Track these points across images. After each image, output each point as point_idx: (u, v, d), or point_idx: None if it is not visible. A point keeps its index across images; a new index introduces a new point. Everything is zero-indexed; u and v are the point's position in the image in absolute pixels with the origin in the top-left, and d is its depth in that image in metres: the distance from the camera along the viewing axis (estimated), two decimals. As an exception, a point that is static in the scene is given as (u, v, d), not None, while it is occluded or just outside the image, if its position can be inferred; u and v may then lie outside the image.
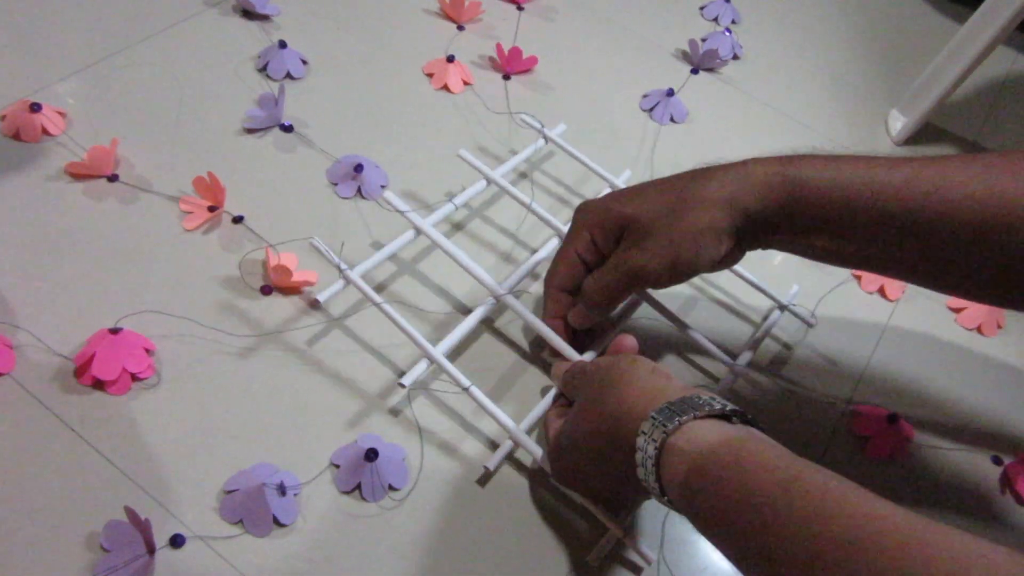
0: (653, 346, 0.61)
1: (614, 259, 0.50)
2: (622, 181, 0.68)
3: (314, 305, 0.56)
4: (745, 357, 0.60)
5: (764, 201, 0.47)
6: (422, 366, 0.52)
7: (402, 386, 0.51)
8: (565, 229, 0.62)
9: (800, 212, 0.47)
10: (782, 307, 0.64)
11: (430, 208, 0.63)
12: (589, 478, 0.46)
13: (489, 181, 0.64)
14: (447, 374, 0.52)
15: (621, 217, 0.50)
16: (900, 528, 0.30)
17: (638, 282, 0.50)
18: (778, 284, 0.65)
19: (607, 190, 0.68)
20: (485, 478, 0.52)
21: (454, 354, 0.56)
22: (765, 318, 0.64)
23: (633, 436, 0.39)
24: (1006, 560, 0.28)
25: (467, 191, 0.63)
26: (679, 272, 0.49)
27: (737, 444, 0.37)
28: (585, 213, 0.52)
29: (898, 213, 0.45)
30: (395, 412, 0.53)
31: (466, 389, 0.52)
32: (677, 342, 0.61)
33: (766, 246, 0.51)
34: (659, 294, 0.60)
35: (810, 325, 0.64)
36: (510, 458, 0.53)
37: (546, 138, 0.70)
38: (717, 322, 0.64)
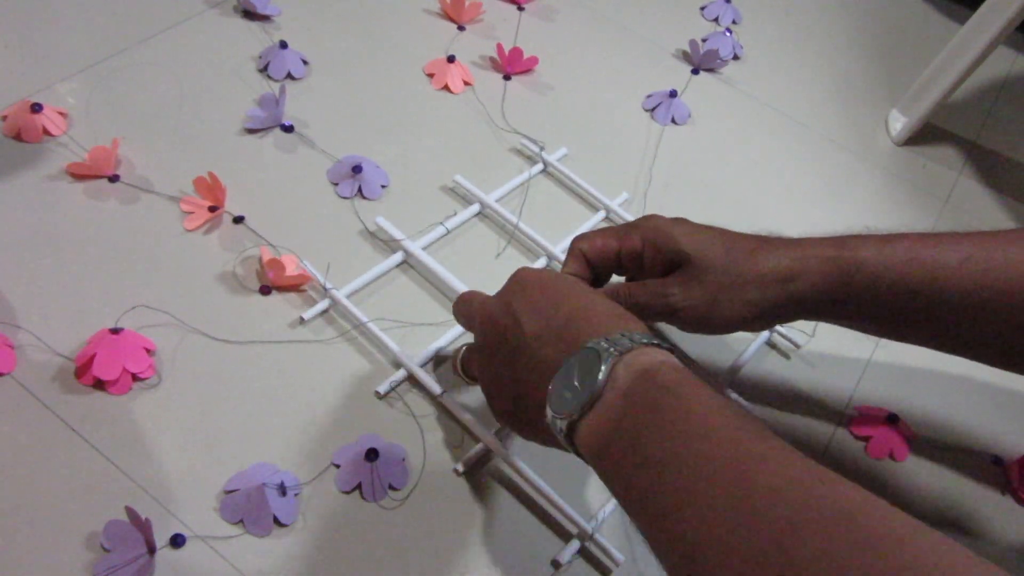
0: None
1: (656, 287, 0.49)
2: (618, 204, 0.68)
3: (300, 322, 0.56)
4: (745, 356, 0.61)
5: (816, 287, 0.47)
6: (399, 375, 0.54)
7: (378, 395, 0.53)
8: (553, 249, 0.63)
9: (853, 299, 0.47)
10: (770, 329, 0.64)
11: (427, 216, 0.63)
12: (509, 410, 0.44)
13: (484, 206, 0.65)
14: (420, 382, 0.54)
15: (679, 253, 0.48)
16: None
17: (667, 318, 0.49)
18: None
19: (602, 213, 0.68)
20: (469, 473, 0.52)
21: (444, 356, 0.57)
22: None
23: (580, 342, 0.38)
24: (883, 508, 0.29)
25: (460, 215, 0.64)
26: (706, 327, 0.49)
27: (679, 369, 0.37)
28: (650, 226, 0.50)
29: (953, 296, 0.45)
30: (396, 412, 0.53)
31: (438, 396, 0.53)
32: (673, 338, 0.61)
33: (812, 320, 0.51)
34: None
35: (797, 347, 0.63)
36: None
37: (545, 163, 0.70)
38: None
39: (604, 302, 0.42)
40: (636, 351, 0.37)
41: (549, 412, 0.38)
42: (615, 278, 0.53)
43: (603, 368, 0.36)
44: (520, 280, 0.45)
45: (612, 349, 0.36)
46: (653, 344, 0.37)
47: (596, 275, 0.51)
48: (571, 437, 0.37)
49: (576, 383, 0.37)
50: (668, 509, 0.31)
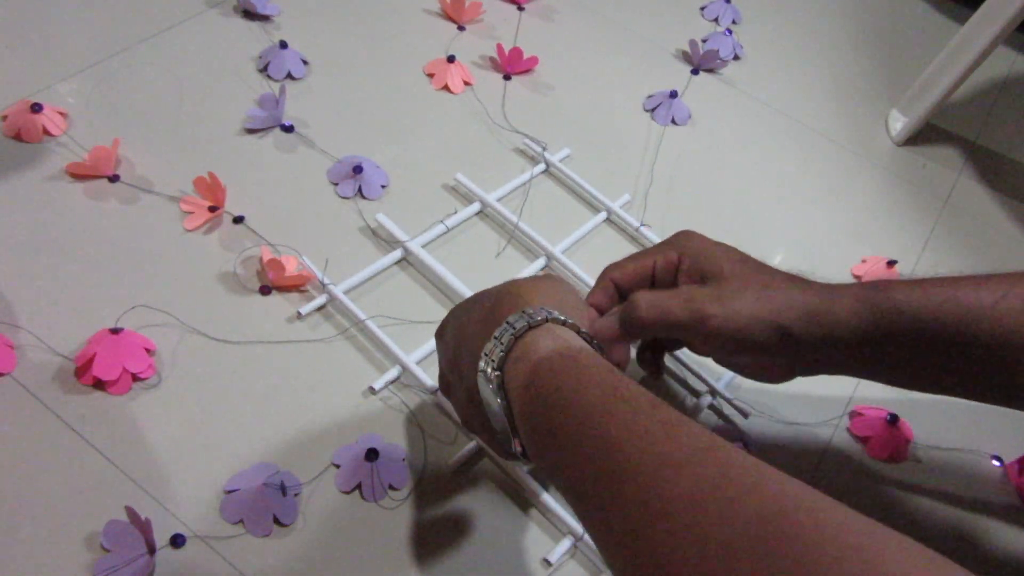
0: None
1: (686, 291, 0.46)
2: (619, 205, 0.68)
3: (297, 317, 0.56)
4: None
5: (850, 322, 0.45)
6: (393, 372, 0.54)
7: (372, 391, 0.53)
8: (552, 249, 0.63)
9: (886, 337, 0.45)
10: None
11: (429, 213, 0.63)
12: (470, 422, 0.44)
13: (484, 205, 0.65)
14: (416, 379, 0.54)
15: (718, 266, 0.47)
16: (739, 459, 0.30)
17: (697, 328, 0.45)
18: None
19: (603, 215, 0.68)
20: (466, 468, 0.52)
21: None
22: None
23: (478, 359, 0.39)
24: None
25: (460, 213, 0.64)
26: (734, 343, 0.45)
27: (576, 347, 0.37)
28: (690, 244, 0.49)
29: (990, 335, 0.44)
30: (396, 412, 0.53)
31: (434, 393, 0.54)
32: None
33: (839, 372, 0.49)
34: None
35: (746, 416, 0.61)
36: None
37: (547, 163, 0.70)
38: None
39: (480, 299, 0.44)
40: (514, 357, 0.38)
41: (480, 364, 0.38)
42: None
43: (497, 399, 0.37)
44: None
45: (491, 368, 0.38)
46: (521, 330, 0.38)
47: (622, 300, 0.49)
48: (503, 389, 0.38)
49: (494, 408, 0.38)
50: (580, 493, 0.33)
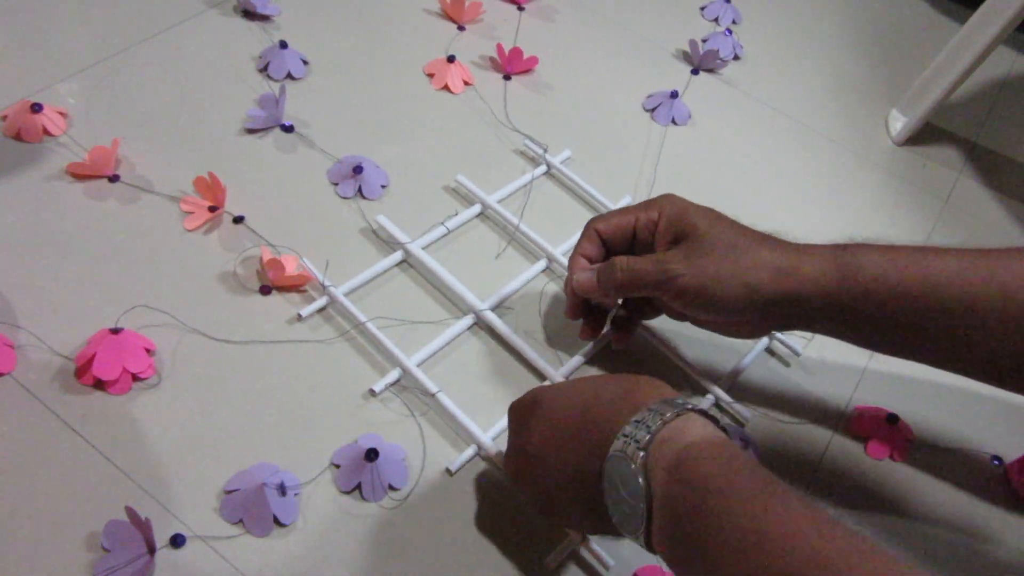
0: (651, 358, 0.61)
1: (659, 255, 0.50)
2: (621, 206, 0.68)
3: (298, 319, 0.56)
4: (744, 362, 0.61)
5: (817, 285, 0.47)
6: (394, 374, 0.54)
7: (373, 393, 0.53)
8: (553, 251, 0.63)
9: (852, 299, 0.47)
10: (770, 336, 0.63)
11: (429, 212, 0.63)
12: (558, 503, 0.44)
13: (485, 207, 0.65)
14: (418, 380, 0.54)
15: (692, 225, 0.49)
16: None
17: (666, 288, 0.49)
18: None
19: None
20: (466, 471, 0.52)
21: (440, 358, 0.57)
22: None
23: (609, 443, 0.38)
24: None
25: (461, 215, 0.64)
26: (700, 305, 0.48)
27: (721, 438, 0.37)
28: (668, 200, 0.52)
29: (953, 304, 0.45)
30: (396, 412, 0.53)
31: (434, 395, 0.53)
32: (673, 342, 0.61)
33: (808, 329, 0.51)
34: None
35: (797, 354, 0.63)
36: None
37: (548, 165, 0.70)
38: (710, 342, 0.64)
39: (604, 386, 0.43)
40: (659, 438, 0.37)
41: (627, 534, 0.38)
42: None
43: (640, 479, 0.36)
44: (516, 411, 0.47)
45: (636, 447, 0.37)
46: (669, 416, 0.37)
47: (610, 252, 0.52)
48: (651, 545, 0.38)
49: (624, 494, 0.37)
50: None
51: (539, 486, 0.44)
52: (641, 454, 0.37)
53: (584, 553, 0.50)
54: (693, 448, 0.36)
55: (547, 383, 0.55)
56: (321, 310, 0.57)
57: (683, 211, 0.50)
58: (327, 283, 0.56)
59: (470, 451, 0.52)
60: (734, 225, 0.50)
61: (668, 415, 0.37)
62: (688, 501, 0.35)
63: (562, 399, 0.43)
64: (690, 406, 0.38)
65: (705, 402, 0.58)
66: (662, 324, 0.59)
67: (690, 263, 0.48)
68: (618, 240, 0.52)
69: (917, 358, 0.50)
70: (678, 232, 0.49)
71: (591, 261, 0.53)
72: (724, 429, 0.39)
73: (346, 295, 0.57)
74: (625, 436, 0.38)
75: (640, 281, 0.49)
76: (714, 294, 0.47)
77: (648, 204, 0.52)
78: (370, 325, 0.55)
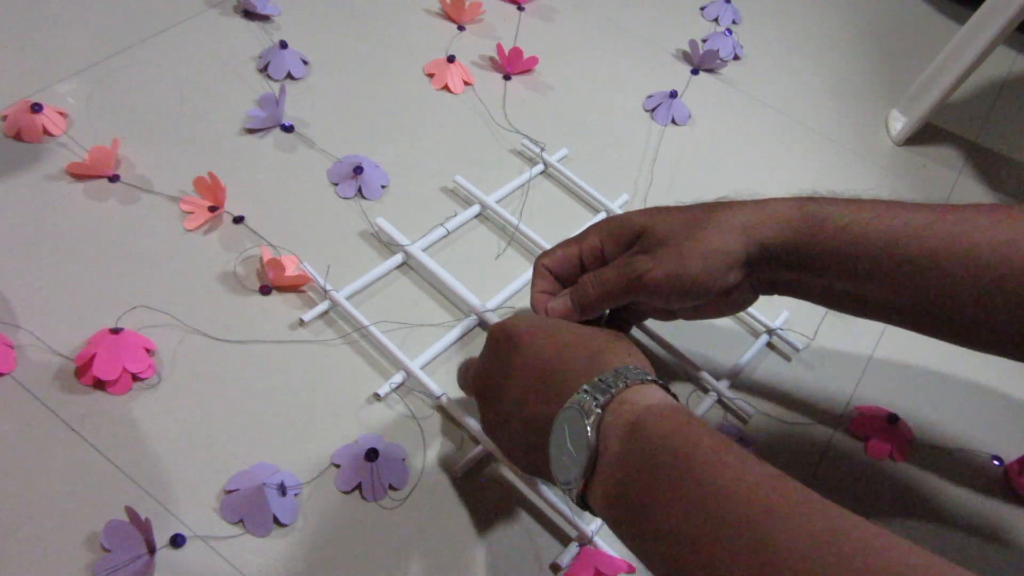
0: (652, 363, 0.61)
1: (619, 260, 0.49)
2: (618, 206, 0.68)
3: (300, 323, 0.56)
4: (744, 359, 0.61)
5: (781, 233, 0.46)
6: (398, 378, 0.54)
7: (377, 397, 0.53)
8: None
9: (818, 248, 0.46)
10: (770, 331, 0.64)
11: (428, 215, 0.63)
12: (507, 432, 0.45)
13: (484, 207, 0.65)
14: (422, 384, 0.54)
15: (636, 227, 0.48)
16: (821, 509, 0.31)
17: (638, 287, 0.48)
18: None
19: (602, 215, 0.68)
20: (468, 475, 0.52)
21: (443, 360, 0.57)
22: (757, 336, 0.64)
23: (569, 394, 0.39)
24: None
25: (460, 216, 0.64)
26: (681, 287, 0.47)
27: (681, 407, 0.38)
28: (604, 222, 0.51)
29: (919, 255, 0.44)
30: (396, 413, 0.53)
31: (438, 398, 0.53)
32: (672, 340, 0.61)
33: (781, 289, 0.50)
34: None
35: (797, 350, 0.63)
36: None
37: (545, 164, 0.70)
38: (709, 338, 0.64)
39: (579, 340, 0.43)
40: (619, 399, 0.37)
41: (558, 482, 0.39)
42: None
43: (589, 432, 0.37)
44: (495, 338, 0.46)
45: (594, 404, 0.37)
46: (632, 381, 0.38)
47: (564, 285, 0.52)
48: (585, 501, 0.38)
49: (570, 445, 0.38)
50: None
51: (496, 412, 0.44)
52: (598, 411, 0.37)
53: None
54: (653, 410, 0.37)
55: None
56: (323, 314, 0.57)
57: (622, 222, 0.49)
58: (328, 287, 0.56)
59: (477, 450, 0.52)
60: (682, 207, 0.49)
61: (631, 379, 0.38)
62: (644, 458, 0.35)
63: (540, 341, 0.43)
64: (651, 378, 0.39)
65: (708, 399, 0.58)
66: (661, 324, 0.59)
67: (653, 255, 0.47)
68: (568, 272, 0.52)
69: (885, 317, 0.49)
70: (627, 240, 0.49)
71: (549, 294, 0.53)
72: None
73: (347, 298, 0.57)
74: (586, 391, 0.38)
75: (613, 289, 0.48)
76: (688, 275, 0.46)
77: (585, 232, 0.51)
78: (373, 329, 0.55)
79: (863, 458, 0.59)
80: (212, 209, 0.60)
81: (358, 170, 0.64)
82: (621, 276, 0.48)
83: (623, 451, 0.36)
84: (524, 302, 0.61)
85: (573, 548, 0.49)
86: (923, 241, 0.44)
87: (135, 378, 0.51)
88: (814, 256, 0.46)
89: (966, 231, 0.44)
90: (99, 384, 0.50)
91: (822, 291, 0.48)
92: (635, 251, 0.48)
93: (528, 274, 0.62)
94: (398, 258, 0.60)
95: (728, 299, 0.49)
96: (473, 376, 0.48)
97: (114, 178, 0.61)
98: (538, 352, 0.43)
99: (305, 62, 0.73)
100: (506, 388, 0.43)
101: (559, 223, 0.66)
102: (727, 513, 0.31)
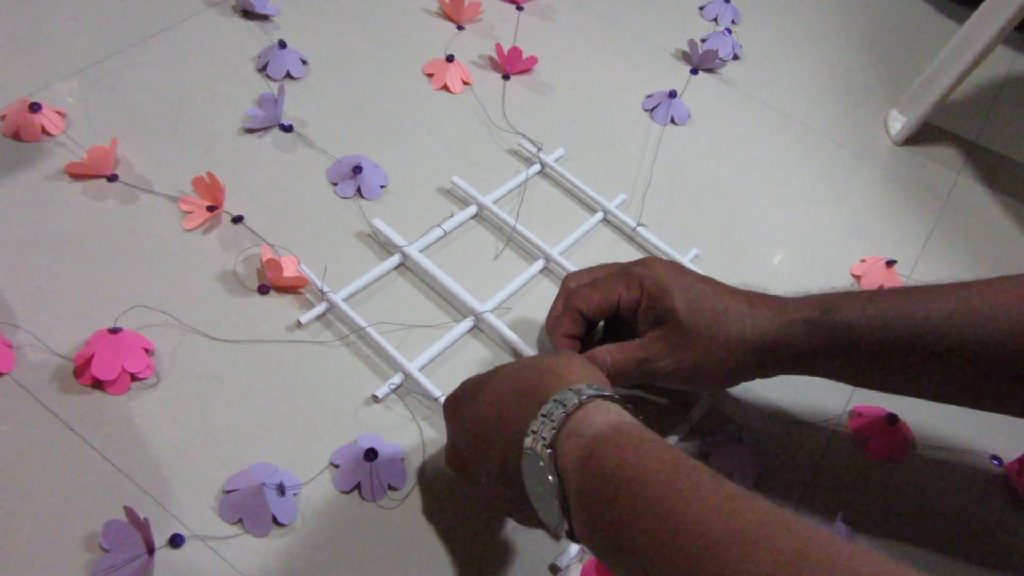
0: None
1: (641, 351, 0.50)
2: (615, 205, 0.68)
3: (297, 325, 0.56)
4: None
5: (803, 347, 0.49)
6: (397, 379, 0.54)
7: (376, 399, 0.53)
8: (550, 251, 0.63)
9: (840, 356, 0.49)
10: None
11: (427, 213, 0.63)
12: (496, 496, 0.43)
13: (481, 208, 0.65)
14: (420, 386, 0.54)
15: (671, 311, 0.49)
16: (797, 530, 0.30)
17: (650, 377, 0.51)
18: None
19: (600, 215, 0.68)
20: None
21: (441, 361, 0.57)
22: None
23: (522, 438, 0.38)
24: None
25: (457, 216, 0.64)
26: (691, 381, 0.51)
27: (628, 422, 0.37)
28: (651, 278, 0.51)
29: (942, 349, 0.46)
30: (395, 413, 0.53)
31: (437, 399, 0.53)
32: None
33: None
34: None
35: None
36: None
37: (542, 163, 0.70)
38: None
39: (516, 377, 0.42)
40: (565, 432, 0.37)
41: (552, 527, 0.38)
42: None
43: (550, 477, 0.36)
44: (445, 412, 0.47)
45: (542, 444, 0.37)
46: (572, 406, 0.37)
47: (586, 320, 0.53)
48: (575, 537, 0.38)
49: (541, 489, 0.37)
50: None
51: (476, 480, 0.43)
52: (548, 451, 0.37)
53: (588, 553, 0.49)
54: (600, 439, 0.36)
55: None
56: (320, 316, 0.56)
57: (663, 293, 0.50)
58: (326, 289, 0.56)
59: None
60: (714, 298, 0.50)
61: (570, 406, 0.37)
62: (602, 493, 0.35)
63: (486, 392, 0.43)
64: (593, 391, 0.38)
65: (698, 409, 0.58)
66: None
67: (673, 356, 0.49)
68: (600, 316, 0.53)
69: (908, 394, 0.53)
70: (659, 315, 0.50)
71: (574, 337, 0.53)
72: (631, 412, 0.39)
73: (345, 300, 0.57)
74: (533, 432, 0.37)
75: (626, 377, 0.51)
76: (702, 378, 0.50)
77: (629, 278, 0.51)
78: (371, 330, 0.55)
79: (863, 458, 0.59)
80: (211, 209, 0.60)
81: (357, 170, 0.64)
82: (637, 371, 0.50)
83: (581, 489, 0.36)
84: (522, 302, 0.61)
85: (572, 549, 0.49)
86: (944, 336, 0.46)
87: (134, 378, 0.51)
88: (835, 363, 0.50)
89: (984, 318, 0.46)
90: (98, 384, 0.50)
91: (844, 379, 0.53)
92: (658, 335, 0.50)
93: (527, 274, 0.62)
94: (395, 259, 0.60)
95: (726, 386, 0.55)
96: (446, 457, 0.48)
97: (113, 178, 0.60)
98: (487, 405, 0.42)
99: (304, 62, 0.73)
100: (473, 456, 0.43)
101: (556, 223, 0.66)
102: (688, 545, 0.31)
